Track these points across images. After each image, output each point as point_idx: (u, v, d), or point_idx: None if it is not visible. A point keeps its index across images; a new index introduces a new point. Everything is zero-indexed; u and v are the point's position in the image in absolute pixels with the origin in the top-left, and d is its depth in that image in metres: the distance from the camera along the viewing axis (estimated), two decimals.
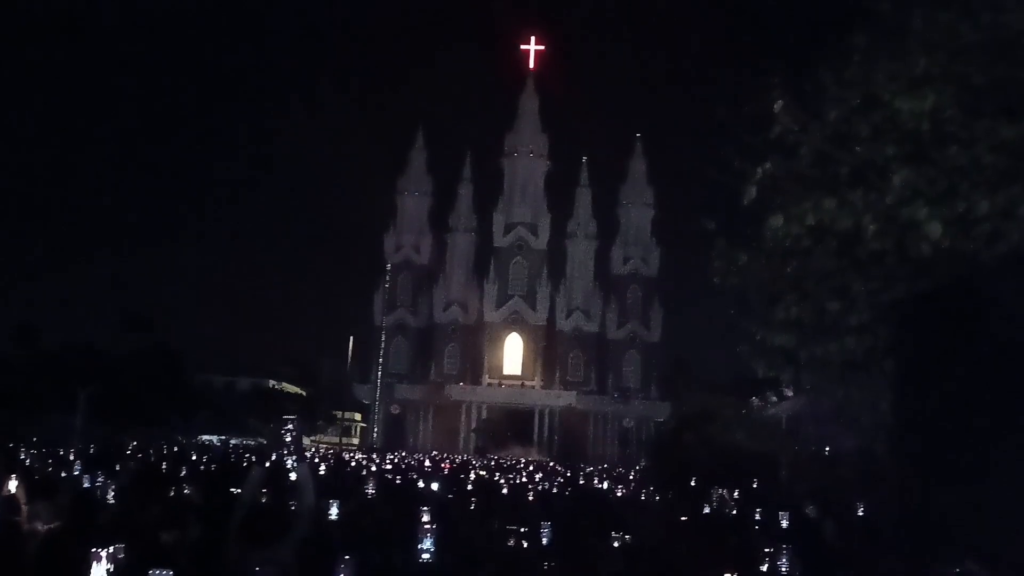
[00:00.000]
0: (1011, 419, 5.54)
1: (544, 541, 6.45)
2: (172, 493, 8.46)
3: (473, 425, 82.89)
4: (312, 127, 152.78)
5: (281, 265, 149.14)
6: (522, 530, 6.50)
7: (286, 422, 6.44)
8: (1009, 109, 6.62)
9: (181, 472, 13.37)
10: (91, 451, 22.44)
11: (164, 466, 16.05)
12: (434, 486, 11.30)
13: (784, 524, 8.20)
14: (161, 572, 3.50)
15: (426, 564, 5.16)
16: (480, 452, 65.56)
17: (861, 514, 9.55)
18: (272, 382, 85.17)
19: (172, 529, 5.98)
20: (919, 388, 7.01)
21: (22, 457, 16.84)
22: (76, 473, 11.26)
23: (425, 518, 6.67)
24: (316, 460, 24.56)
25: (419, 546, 5.20)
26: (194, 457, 22.65)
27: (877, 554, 6.42)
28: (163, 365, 55.44)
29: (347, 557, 4.12)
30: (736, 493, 12.90)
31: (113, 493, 7.77)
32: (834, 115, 7.86)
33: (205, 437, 56.38)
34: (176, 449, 31.19)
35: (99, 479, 8.83)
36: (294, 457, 6.26)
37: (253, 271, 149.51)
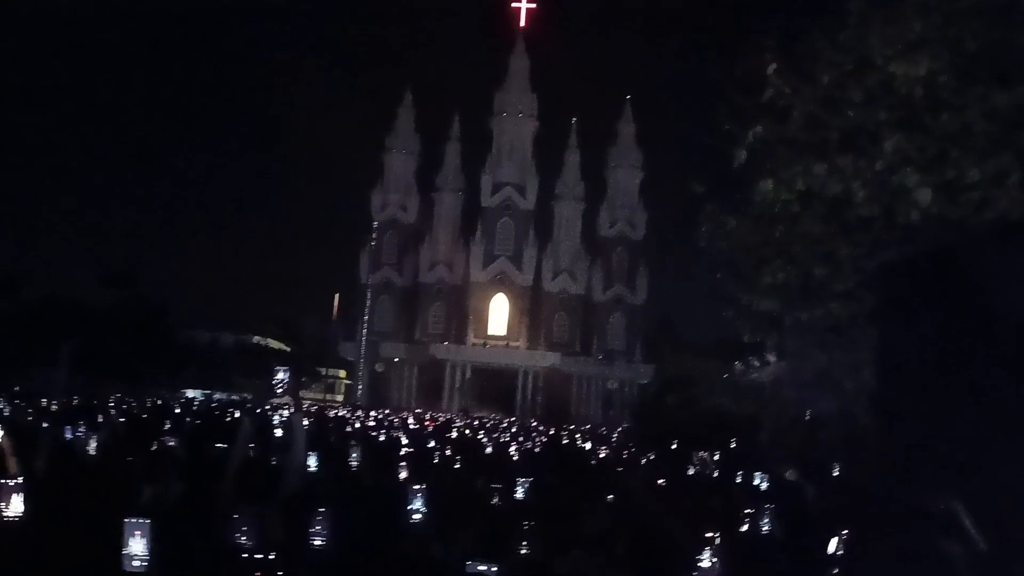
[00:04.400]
0: (992, 386, 5.57)
1: (526, 500, 6.49)
2: (155, 447, 8.45)
3: (457, 384, 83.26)
4: (299, 82, 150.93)
5: (267, 221, 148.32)
6: (505, 489, 6.54)
7: (278, 372, 6.40)
8: (1002, 76, 6.57)
9: (164, 426, 13.37)
10: (74, 404, 22.39)
11: (146, 420, 16.05)
12: (429, 444, 11.35)
13: (763, 486, 8.30)
14: (137, 520, 3.49)
15: (412, 522, 5.18)
16: (464, 411, 65.94)
17: (837, 474, 9.69)
18: (257, 338, 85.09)
19: (154, 483, 5.98)
20: (901, 354, 7.04)
21: (1, 407, 16.81)
22: (57, 425, 11.22)
23: (410, 475, 6.71)
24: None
25: (408, 506, 5.21)
26: (177, 411, 22.67)
27: (854, 512, 6.49)
28: (146, 319, 55.29)
29: (322, 510, 4.12)
30: (717, 455, 13.04)
31: (95, 446, 7.75)
32: (827, 79, 7.79)
33: (189, 392, 56.34)
34: (160, 403, 31.17)
35: (80, 431, 8.82)
36: (291, 409, 6.23)
37: (238, 227, 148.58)
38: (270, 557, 3.60)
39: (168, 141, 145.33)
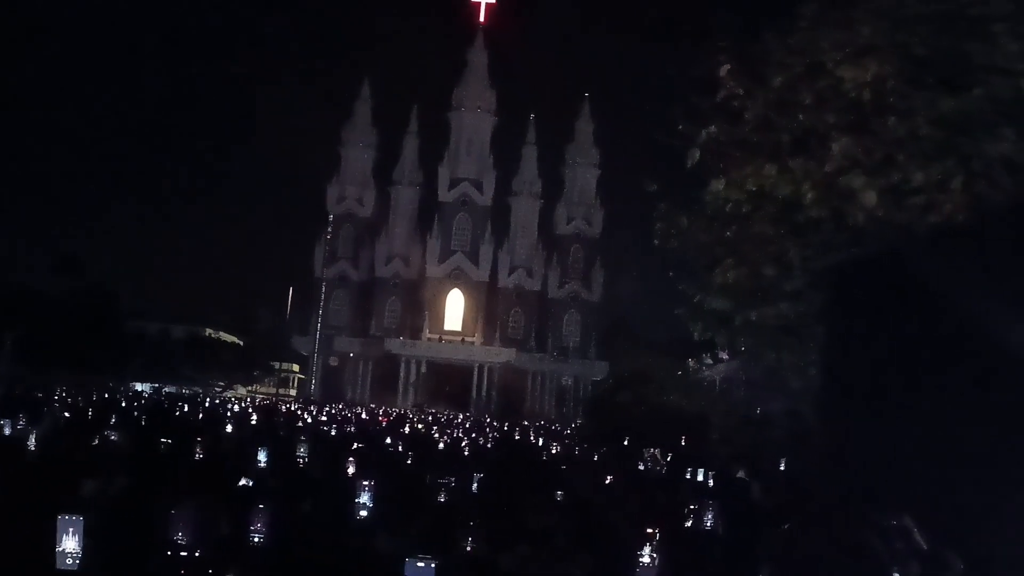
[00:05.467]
0: (935, 385, 5.69)
1: (474, 495, 6.48)
2: (97, 441, 8.27)
3: (412, 380, 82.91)
4: (255, 73, 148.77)
5: (220, 212, 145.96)
6: (453, 484, 6.52)
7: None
8: (949, 82, 6.71)
9: (110, 420, 13.09)
10: (15, 396, 21.83)
11: (91, 413, 15.72)
12: (381, 439, 11.27)
13: (711, 483, 8.36)
14: (70, 517, 3.41)
15: (360, 517, 5.14)
16: (418, 407, 65.67)
17: (783, 469, 9.81)
18: (209, 330, 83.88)
19: (95, 477, 5.85)
20: (846, 354, 7.16)
21: None
22: None
23: (360, 471, 6.65)
24: (249, 409, 24.36)
25: (355, 499, 5.17)
26: (123, 404, 22.24)
27: (800, 510, 6.59)
28: (95, 309, 54.21)
29: (262, 506, 4.07)
30: (668, 453, 13.14)
31: (34, 439, 7.56)
32: (778, 82, 7.89)
33: (138, 385, 55.31)
34: (106, 396, 30.55)
35: (20, 424, 8.60)
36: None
37: (191, 217, 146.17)
38: (196, 554, 3.54)
39: (121, 130, 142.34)
